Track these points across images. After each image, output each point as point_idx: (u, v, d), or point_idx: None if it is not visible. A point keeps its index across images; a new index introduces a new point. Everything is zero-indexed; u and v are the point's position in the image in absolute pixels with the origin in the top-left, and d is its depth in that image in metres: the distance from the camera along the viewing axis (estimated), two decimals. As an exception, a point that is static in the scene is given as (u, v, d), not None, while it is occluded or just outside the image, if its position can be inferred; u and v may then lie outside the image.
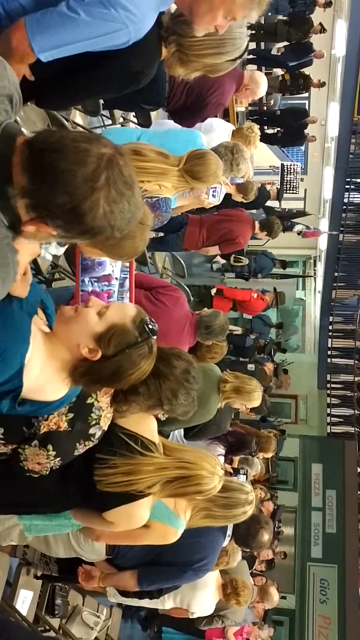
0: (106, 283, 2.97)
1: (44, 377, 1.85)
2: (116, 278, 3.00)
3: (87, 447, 2.22)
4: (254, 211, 8.38)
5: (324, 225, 12.06)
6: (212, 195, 4.36)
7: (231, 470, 5.04)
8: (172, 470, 2.46)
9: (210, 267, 10.51)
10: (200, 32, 2.24)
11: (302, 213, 12.73)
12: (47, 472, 2.16)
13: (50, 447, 2.09)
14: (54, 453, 2.11)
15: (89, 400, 2.15)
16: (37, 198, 1.40)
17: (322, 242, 13.18)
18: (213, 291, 9.61)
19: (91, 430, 2.18)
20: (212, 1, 2.09)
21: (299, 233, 11.83)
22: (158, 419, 2.83)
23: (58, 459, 2.13)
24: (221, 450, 4.57)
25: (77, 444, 2.17)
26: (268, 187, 9.88)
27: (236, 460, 5.34)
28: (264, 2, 2.07)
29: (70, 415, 2.09)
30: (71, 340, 1.89)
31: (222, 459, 4.03)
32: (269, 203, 9.69)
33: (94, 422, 2.17)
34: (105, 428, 2.25)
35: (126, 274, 3.09)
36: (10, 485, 2.32)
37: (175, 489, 2.48)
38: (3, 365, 1.74)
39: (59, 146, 1.39)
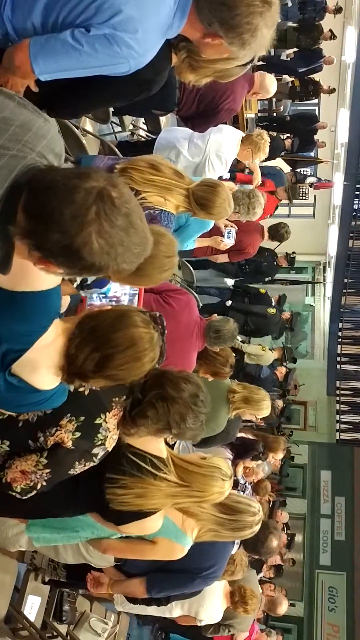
0: (115, 299, 2.96)
1: (44, 354, 1.78)
2: (125, 293, 3.00)
3: (87, 467, 2.20)
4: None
5: (338, 178, 11.91)
6: (227, 237, 4.70)
7: (238, 477, 5.03)
8: (182, 497, 2.49)
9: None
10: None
11: (315, 160, 12.70)
12: (24, 495, 2.10)
13: (45, 454, 2.07)
14: (45, 462, 2.08)
15: (97, 421, 2.13)
16: (35, 238, 1.44)
17: (332, 248, 13.14)
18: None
19: (95, 450, 2.17)
20: (220, 52, 2.14)
21: (311, 185, 11.78)
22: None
23: (47, 470, 2.09)
24: (229, 454, 4.57)
25: (76, 462, 2.15)
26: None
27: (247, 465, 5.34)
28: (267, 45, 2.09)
29: (77, 434, 2.08)
30: None
31: (229, 462, 4.01)
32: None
33: (99, 442, 2.16)
34: (110, 449, 2.24)
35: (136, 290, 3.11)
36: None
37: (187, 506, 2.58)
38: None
39: (50, 184, 1.43)
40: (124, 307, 1.92)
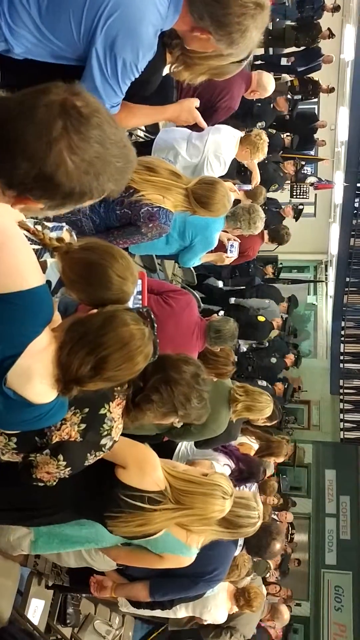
0: None
1: (38, 362, 1.72)
2: None
3: (98, 458, 2.22)
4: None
5: (338, 177, 11.89)
6: (230, 251, 4.86)
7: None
8: (183, 517, 2.51)
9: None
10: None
11: (315, 158, 12.70)
12: (55, 483, 2.15)
13: (60, 457, 2.10)
14: (64, 463, 2.11)
15: (102, 411, 2.14)
16: (4, 174, 1.28)
17: (333, 247, 13.12)
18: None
19: (102, 441, 2.18)
20: (205, 47, 2.14)
21: (312, 184, 11.78)
22: (170, 431, 2.83)
23: (68, 469, 2.14)
24: (227, 460, 4.56)
25: (88, 454, 2.18)
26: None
27: None
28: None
29: (83, 425, 2.09)
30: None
31: (227, 469, 3.99)
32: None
33: (105, 432, 2.17)
34: (117, 439, 2.25)
35: (139, 290, 3.11)
36: (22, 489, 2.32)
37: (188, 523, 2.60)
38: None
39: (9, 112, 1.27)
40: (110, 309, 1.85)
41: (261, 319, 8.67)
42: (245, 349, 8.94)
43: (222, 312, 7.70)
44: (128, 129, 3.65)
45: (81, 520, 2.66)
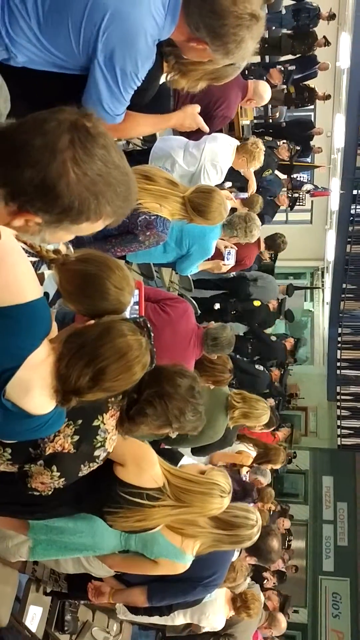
0: None
1: (36, 374, 1.74)
2: None
3: (92, 469, 2.23)
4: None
5: (334, 183, 11.92)
6: (227, 258, 5.04)
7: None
8: (181, 515, 2.53)
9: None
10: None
11: (311, 165, 12.70)
12: (50, 492, 2.16)
13: (54, 467, 2.11)
14: (58, 474, 2.12)
15: (95, 423, 2.15)
16: (8, 183, 1.30)
17: (330, 254, 13.17)
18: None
19: (96, 452, 2.19)
20: (202, 56, 2.18)
21: (308, 192, 11.79)
22: (167, 438, 2.84)
23: (62, 479, 2.15)
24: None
25: (82, 465, 2.19)
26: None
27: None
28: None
29: (76, 437, 2.10)
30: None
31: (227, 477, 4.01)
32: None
33: (99, 444, 2.18)
34: (111, 450, 2.26)
35: (136, 300, 3.13)
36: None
37: (185, 523, 2.64)
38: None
39: (19, 123, 1.33)
40: (107, 320, 1.87)
41: (257, 303, 8.62)
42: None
43: (217, 305, 7.74)
44: (133, 137, 3.67)
45: (79, 528, 2.69)
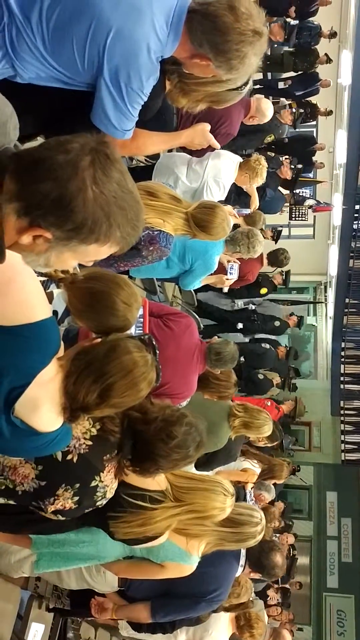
0: None
1: (45, 391, 1.75)
2: None
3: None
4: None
5: (337, 199, 11.94)
6: (230, 272, 5.06)
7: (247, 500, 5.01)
8: (184, 514, 2.54)
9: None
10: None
11: (314, 181, 12.73)
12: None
13: (59, 515, 2.18)
14: (63, 519, 2.20)
15: (93, 484, 2.17)
16: (25, 196, 1.35)
17: (332, 268, 13.19)
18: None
19: (98, 502, 2.24)
20: (205, 72, 2.22)
21: (310, 207, 11.80)
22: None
23: (64, 518, 2.21)
24: None
25: (85, 510, 2.23)
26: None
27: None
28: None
29: (76, 498, 2.14)
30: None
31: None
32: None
33: (100, 498, 2.22)
34: (111, 495, 2.29)
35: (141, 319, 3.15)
36: None
37: (188, 524, 2.60)
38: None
39: (43, 144, 1.40)
40: (113, 337, 1.91)
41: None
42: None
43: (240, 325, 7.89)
44: (145, 155, 3.70)
45: (83, 537, 2.68)
